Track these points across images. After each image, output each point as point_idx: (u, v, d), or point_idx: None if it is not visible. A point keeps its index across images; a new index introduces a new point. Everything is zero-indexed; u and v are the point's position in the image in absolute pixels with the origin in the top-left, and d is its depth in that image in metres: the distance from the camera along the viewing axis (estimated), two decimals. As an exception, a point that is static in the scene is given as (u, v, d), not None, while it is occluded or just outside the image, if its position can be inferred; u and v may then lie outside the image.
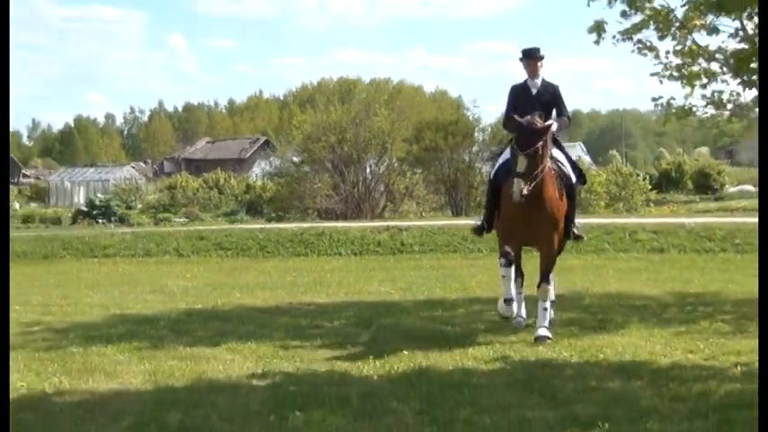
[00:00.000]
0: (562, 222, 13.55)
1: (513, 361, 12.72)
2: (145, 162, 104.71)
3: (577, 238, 14.72)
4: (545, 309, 13.75)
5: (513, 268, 13.36)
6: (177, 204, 63.73)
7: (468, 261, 30.19)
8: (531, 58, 13.19)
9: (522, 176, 11.96)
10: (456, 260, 32.90)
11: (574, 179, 14.41)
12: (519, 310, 15.75)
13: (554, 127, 13.68)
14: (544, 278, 13.83)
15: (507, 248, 14.11)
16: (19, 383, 12.85)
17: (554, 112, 13.90)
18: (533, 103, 13.40)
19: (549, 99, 13.61)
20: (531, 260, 17.84)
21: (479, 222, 15.12)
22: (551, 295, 14.81)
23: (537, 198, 12.61)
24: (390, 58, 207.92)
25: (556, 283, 17.04)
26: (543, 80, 13.57)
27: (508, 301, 13.29)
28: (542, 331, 13.41)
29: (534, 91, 13.36)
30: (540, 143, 12.29)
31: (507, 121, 14.10)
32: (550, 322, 15.00)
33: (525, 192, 11.98)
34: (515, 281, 15.34)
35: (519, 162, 12.07)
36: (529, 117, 12.63)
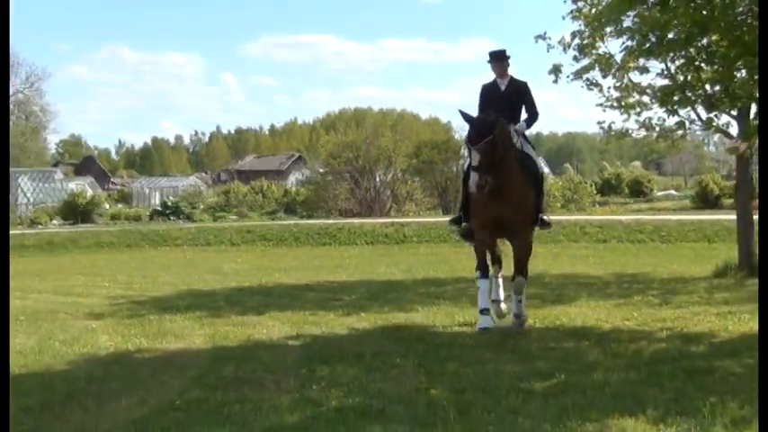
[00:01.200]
0: (531, 211, 11.63)
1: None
2: (205, 173, 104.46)
3: (546, 225, 12.48)
4: (519, 301, 11.90)
5: (488, 281, 11.72)
6: (230, 205, 63.61)
7: (456, 249, 29.96)
8: (497, 59, 11.64)
9: (477, 169, 10.41)
10: (446, 249, 32.85)
11: (540, 169, 12.42)
12: (497, 294, 13.56)
13: (522, 129, 12.05)
14: (519, 270, 11.81)
15: (483, 255, 12.21)
16: (108, 343, 12.92)
17: (523, 108, 12.24)
18: (502, 100, 11.79)
19: (518, 96, 11.91)
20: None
21: (457, 215, 12.98)
22: (522, 286, 12.39)
23: (503, 189, 10.87)
24: (395, 92, 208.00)
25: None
26: (512, 78, 11.95)
27: (484, 311, 11.49)
28: (518, 327, 11.75)
29: (503, 88, 11.71)
30: (490, 137, 10.53)
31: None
32: (523, 319, 12.96)
33: (483, 183, 10.37)
34: (492, 265, 13.29)
35: (473, 156, 10.60)
36: (483, 113, 11.18)
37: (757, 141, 19.86)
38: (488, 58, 11.77)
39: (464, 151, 15.50)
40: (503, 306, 13.35)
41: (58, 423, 8.41)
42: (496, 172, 10.88)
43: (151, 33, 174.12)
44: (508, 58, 11.64)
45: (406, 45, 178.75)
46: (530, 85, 12.39)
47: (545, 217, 12.06)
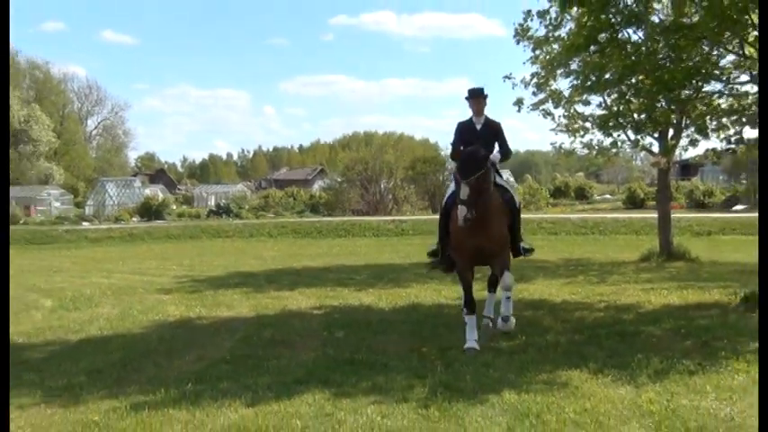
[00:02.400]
0: (508, 240, 9.81)
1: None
2: (250, 181, 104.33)
3: (527, 252, 10.67)
4: (508, 298, 10.01)
5: (474, 317, 9.53)
6: (268, 206, 63.51)
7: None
8: (475, 97, 10.03)
9: (465, 203, 8.76)
10: (435, 239, 32.78)
11: (517, 202, 10.49)
12: (488, 310, 11.15)
13: (496, 159, 10.07)
14: (501, 272, 9.84)
15: (469, 291, 9.85)
16: (175, 312, 12.91)
17: (496, 145, 10.33)
18: (477, 138, 9.97)
19: (492, 134, 10.13)
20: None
21: (434, 247, 10.89)
22: (511, 281, 10.13)
23: (483, 221, 9.08)
24: (395, 119, 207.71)
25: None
26: (486, 118, 10.19)
27: (472, 341, 9.24)
28: (506, 326, 9.58)
29: (479, 127, 10.06)
30: (481, 172, 8.94)
31: (453, 152, 10.41)
32: (510, 325, 10.44)
33: (469, 216, 8.72)
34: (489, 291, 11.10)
35: (462, 189, 8.85)
36: (471, 147, 9.37)
37: (672, 156, 19.98)
38: (467, 95, 10.13)
39: (452, 185, 10.84)
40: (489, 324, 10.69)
41: (136, 374, 8.42)
42: (480, 205, 9.10)
43: (210, 74, 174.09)
44: (486, 96, 10.06)
45: (404, 83, 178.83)
46: (503, 125, 10.52)
47: (525, 245, 10.31)
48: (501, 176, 10.48)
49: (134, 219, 57.36)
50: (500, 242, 9.68)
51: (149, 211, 59.55)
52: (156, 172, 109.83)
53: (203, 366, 8.67)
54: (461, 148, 9.86)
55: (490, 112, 10.49)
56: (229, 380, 7.94)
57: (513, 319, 9.94)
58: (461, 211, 8.79)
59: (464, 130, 10.08)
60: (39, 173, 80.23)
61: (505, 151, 10.29)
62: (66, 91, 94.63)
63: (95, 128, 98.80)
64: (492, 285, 10.81)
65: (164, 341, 10.42)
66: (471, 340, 9.29)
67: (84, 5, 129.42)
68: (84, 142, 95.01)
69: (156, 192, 77.14)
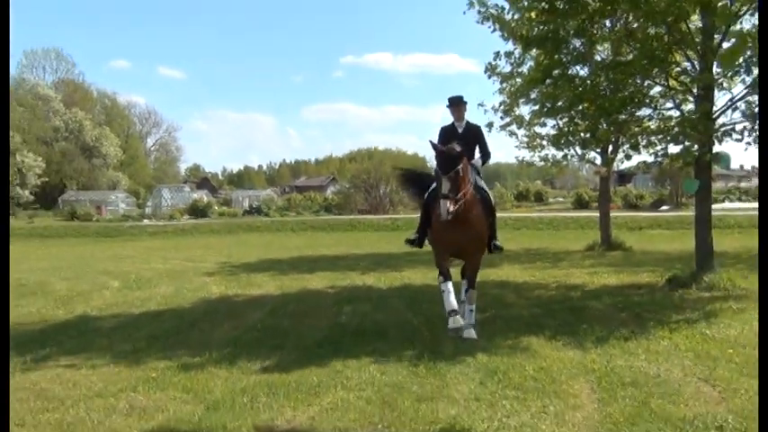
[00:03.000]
0: (486, 237, 8.71)
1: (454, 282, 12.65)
2: (276, 187, 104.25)
3: (498, 249, 9.34)
4: (471, 311, 8.73)
5: (450, 282, 8.42)
6: (291, 207, 63.50)
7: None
8: (455, 104, 9.06)
9: (446, 197, 7.74)
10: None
11: (493, 201, 9.27)
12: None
13: (478, 163, 9.06)
14: (471, 284, 8.81)
15: (444, 266, 8.69)
16: (216, 290, 12.90)
17: (477, 148, 9.37)
18: (459, 140, 8.77)
19: (473, 137, 9.12)
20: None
21: (413, 237, 9.54)
22: (474, 297, 8.97)
23: (463, 217, 8.05)
24: (393, 138, 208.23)
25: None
26: (468, 122, 9.23)
27: (452, 312, 8.16)
28: (469, 333, 8.05)
29: (460, 130, 9.07)
30: (460, 166, 7.93)
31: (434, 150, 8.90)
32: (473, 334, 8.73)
33: (452, 209, 7.65)
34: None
35: (443, 184, 7.86)
36: (449, 145, 8.21)
37: (611, 167, 20.01)
38: (448, 103, 9.09)
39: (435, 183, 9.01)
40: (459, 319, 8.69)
41: (185, 340, 8.43)
42: (461, 200, 7.97)
43: (244, 102, 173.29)
44: (465, 103, 9.02)
45: (399, 109, 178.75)
46: (483, 129, 9.50)
47: (497, 243, 8.98)
48: (481, 178, 9.01)
49: (184, 217, 57.23)
50: (478, 239, 8.38)
51: (196, 210, 59.49)
52: (201, 180, 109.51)
53: (239, 333, 8.67)
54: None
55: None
56: (259, 344, 7.94)
57: (473, 331, 8.16)
58: (444, 204, 7.58)
59: (446, 134, 8.83)
60: (108, 180, 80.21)
61: (485, 153, 9.08)
62: (130, 115, 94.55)
63: (153, 145, 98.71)
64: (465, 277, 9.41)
65: (207, 314, 10.43)
66: (454, 318, 7.94)
67: (144, 47, 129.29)
68: (144, 156, 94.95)
69: (202, 196, 76.99)
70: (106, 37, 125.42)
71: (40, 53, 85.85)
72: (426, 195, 8.95)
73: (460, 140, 8.36)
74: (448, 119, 8.78)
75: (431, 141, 8.10)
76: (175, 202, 70.06)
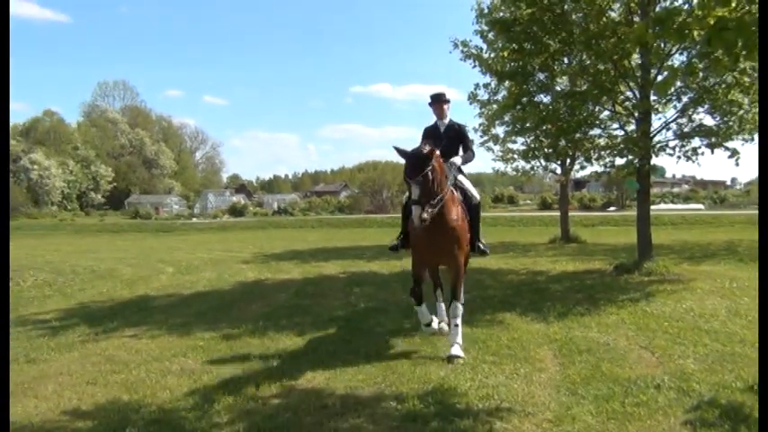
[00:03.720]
0: (466, 242, 6.83)
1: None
2: (299, 192, 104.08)
3: (482, 252, 7.48)
4: (456, 325, 6.46)
5: (424, 306, 6.81)
6: (311, 208, 63.49)
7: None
8: (437, 101, 7.43)
9: (418, 203, 6.04)
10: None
11: (477, 199, 7.44)
12: (440, 317, 7.59)
13: (457, 162, 7.17)
14: (455, 295, 6.63)
15: (421, 277, 6.86)
16: (251, 275, 12.84)
17: (461, 147, 7.59)
18: (441, 140, 7.24)
19: (456, 136, 7.47)
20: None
21: (395, 242, 7.64)
22: (460, 311, 6.55)
23: (440, 222, 6.33)
24: (393, 152, 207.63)
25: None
26: (450, 120, 7.58)
27: (428, 325, 6.91)
28: (455, 350, 6.09)
29: (442, 129, 7.47)
30: (429, 168, 6.13)
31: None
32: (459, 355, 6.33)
33: (425, 216, 5.97)
34: (434, 292, 7.87)
35: (412, 190, 6.21)
36: (414, 148, 6.35)
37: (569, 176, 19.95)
38: (430, 101, 7.33)
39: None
40: (444, 326, 7.24)
41: (226, 315, 8.40)
42: (436, 205, 6.11)
43: (273, 124, 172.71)
44: (447, 101, 7.27)
45: (397, 129, 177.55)
46: (467, 128, 7.70)
47: (481, 245, 7.18)
48: (464, 176, 7.16)
49: (225, 216, 57.22)
50: (458, 243, 6.39)
51: (235, 211, 59.49)
52: (239, 186, 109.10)
53: (269, 310, 8.64)
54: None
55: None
56: (286, 319, 7.92)
57: (460, 349, 6.02)
58: (415, 211, 5.83)
59: (428, 133, 7.11)
60: (164, 186, 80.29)
61: (469, 152, 7.22)
62: (182, 134, 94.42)
63: (200, 158, 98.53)
64: (441, 288, 7.69)
65: (244, 294, 10.39)
66: (431, 328, 6.69)
67: (193, 79, 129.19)
68: (193, 167, 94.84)
69: (240, 199, 76.96)
70: (163, 71, 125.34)
71: (111, 84, 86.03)
72: (405, 198, 6.97)
73: (444, 139, 6.81)
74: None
75: (395, 147, 6.08)
76: (218, 204, 70.17)
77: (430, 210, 5.78)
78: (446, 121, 7.01)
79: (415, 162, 5.83)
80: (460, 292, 6.36)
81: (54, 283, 12.24)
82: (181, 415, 4.49)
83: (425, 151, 5.80)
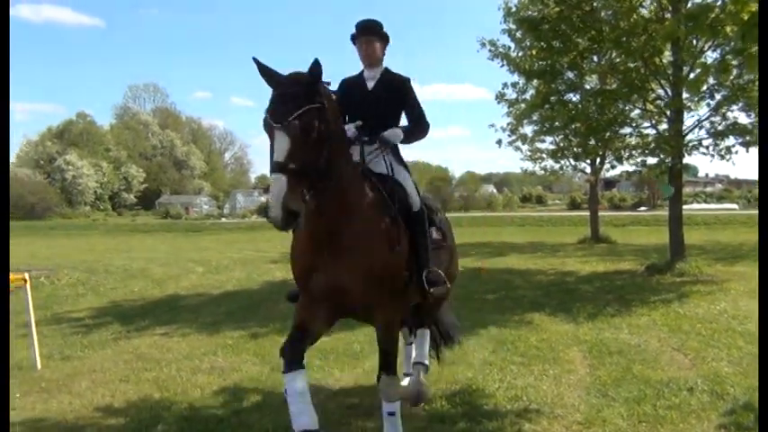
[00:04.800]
0: (396, 271, 3.44)
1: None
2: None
3: (434, 284, 3.66)
4: (391, 414, 3.73)
5: (300, 376, 3.18)
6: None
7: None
8: (365, 33, 3.81)
9: (283, 169, 2.79)
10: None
11: (417, 205, 3.77)
12: (420, 355, 4.61)
13: (394, 136, 3.78)
14: (385, 366, 3.68)
15: (301, 326, 3.50)
16: (279, 275, 12.88)
17: (403, 115, 3.98)
18: (369, 103, 3.83)
19: (393, 97, 3.88)
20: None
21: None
22: (394, 393, 3.69)
23: (340, 233, 3.29)
24: (420, 153, 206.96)
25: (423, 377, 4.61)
26: (386, 71, 3.93)
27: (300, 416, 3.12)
28: None
29: (371, 85, 3.87)
30: (312, 107, 2.88)
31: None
32: None
33: (296, 204, 2.78)
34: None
35: (276, 143, 2.84)
36: (292, 73, 3.01)
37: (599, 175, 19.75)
38: (352, 34, 3.97)
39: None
40: (406, 381, 4.63)
41: (254, 314, 8.47)
42: (325, 192, 3.09)
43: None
44: (383, 36, 3.98)
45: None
46: (413, 83, 4.09)
47: (431, 275, 3.70)
48: (404, 167, 4.08)
49: (253, 216, 57.71)
50: (375, 277, 3.43)
51: (263, 211, 59.95)
52: (267, 186, 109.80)
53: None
54: (355, 123, 3.87)
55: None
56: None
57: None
58: (278, 185, 2.90)
59: (349, 91, 3.96)
60: (194, 187, 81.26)
61: (416, 123, 4.05)
62: (211, 135, 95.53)
63: (229, 158, 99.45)
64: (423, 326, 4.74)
65: (272, 293, 10.42)
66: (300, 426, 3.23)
67: (221, 81, 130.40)
68: (222, 168, 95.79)
69: (268, 199, 77.57)
70: (192, 73, 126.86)
71: (142, 87, 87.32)
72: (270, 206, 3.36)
73: (372, 102, 3.92)
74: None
75: (255, 59, 3.17)
76: (247, 204, 70.74)
77: (307, 193, 2.93)
78: (377, 72, 3.98)
79: (287, 92, 3.01)
80: (394, 360, 3.75)
81: (87, 282, 12.46)
82: (211, 413, 4.54)
83: (313, 75, 3.05)
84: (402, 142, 3.97)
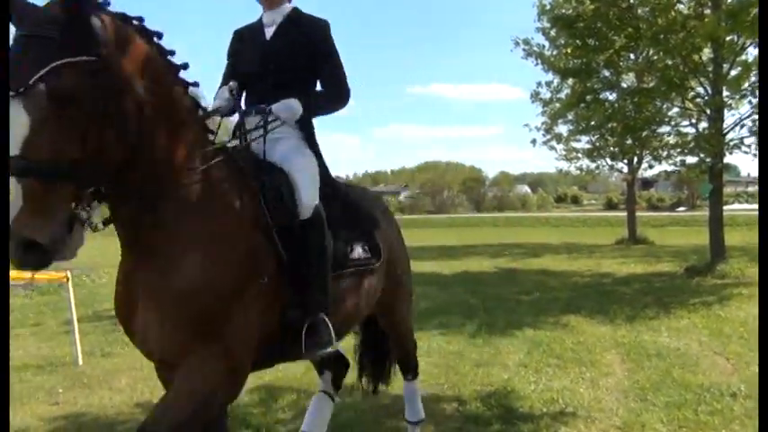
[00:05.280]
0: (209, 320, 1.98)
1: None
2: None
3: (316, 347, 2.31)
4: None
5: None
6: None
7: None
8: None
9: (25, 173, 1.53)
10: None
11: (310, 209, 2.37)
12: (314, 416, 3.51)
13: (290, 110, 2.38)
14: None
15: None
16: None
17: (317, 75, 2.54)
18: (265, 58, 2.46)
19: (299, 49, 2.43)
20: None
21: None
22: None
23: (150, 251, 1.98)
24: (453, 153, 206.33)
25: None
26: (295, 12, 2.54)
27: None
28: None
29: (270, 32, 2.48)
30: (52, 68, 1.52)
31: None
32: None
33: (51, 231, 1.57)
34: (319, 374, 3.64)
35: (12, 124, 1.54)
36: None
37: (637, 174, 19.42)
38: None
39: None
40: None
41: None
42: (131, 203, 1.99)
43: (331, 124, 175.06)
44: None
45: (458, 129, 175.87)
46: (327, 29, 2.61)
47: (311, 329, 2.30)
48: (315, 153, 2.64)
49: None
50: (185, 315, 1.98)
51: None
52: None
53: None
54: (229, 85, 2.61)
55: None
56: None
57: None
58: (15, 207, 1.61)
59: (240, 46, 2.72)
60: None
61: (332, 86, 2.66)
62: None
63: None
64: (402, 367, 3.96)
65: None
66: None
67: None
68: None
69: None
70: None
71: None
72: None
73: (269, 55, 2.62)
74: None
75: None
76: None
77: (83, 209, 1.88)
78: (279, 15, 2.71)
79: (32, 36, 1.71)
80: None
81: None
82: (246, 410, 4.58)
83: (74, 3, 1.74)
84: (310, 115, 2.62)
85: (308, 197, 2.46)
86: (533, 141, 19.12)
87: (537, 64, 15.44)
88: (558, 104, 17.78)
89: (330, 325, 2.38)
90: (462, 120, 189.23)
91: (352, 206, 2.83)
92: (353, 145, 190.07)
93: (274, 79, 2.59)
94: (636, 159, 17.62)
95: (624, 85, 14.02)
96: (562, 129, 18.81)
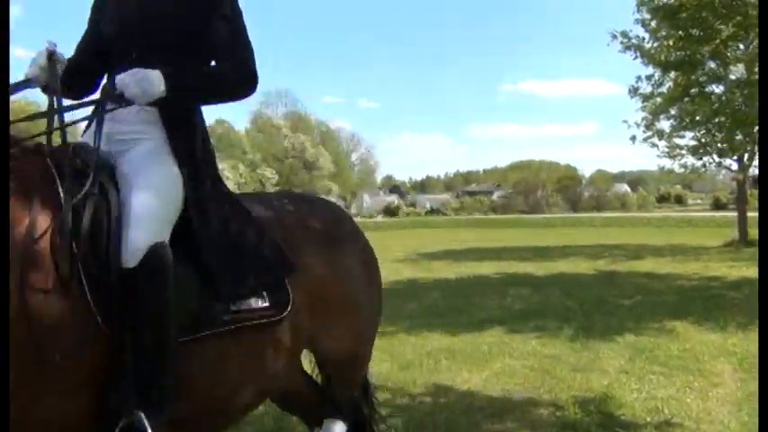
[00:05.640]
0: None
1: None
2: (452, 192, 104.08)
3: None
4: None
5: None
6: (463, 208, 63.50)
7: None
8: None
9: None
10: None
11: (131, 260, 1.57)
12: None
13: (150, 89, 1.56)
14: None
15: None
16: (405, 274, 12.92)
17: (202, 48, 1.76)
18: (138, 19, 1.67)
19: (183, 9, 1.63)
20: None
21: None
22: None
23: None
24: (547, 152, 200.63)
25: None
26: None
27: None
28: None
29: None
30: None
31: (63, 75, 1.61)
32: None
33: None
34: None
35: None
36: None
37: (749, 173, 18.24)
38: None
39: None
40: None
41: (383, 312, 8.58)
42: None
43: (425, 125, 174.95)
44: None
45: (552, 127, 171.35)
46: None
47: (134, 423, 1.53)
48: (206, 150, 1.95)
49: (380, 216, 58.89)
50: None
51: (389, 211, 61.16)
52: (392, 186, 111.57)
53: (423, 308, 8.73)
54: (47, 44, 1.77)
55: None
56: (440, 318, 7.95)
57: None
58: None
59: (106, 5, 1.92)
60: (323, 187, 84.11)
61: (226, 62, 1.87)
62: (339, 138, 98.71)
63: (355, 159, 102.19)
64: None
65: (399, 292, 10.48)
66: None
67: (348, 85, 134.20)
68: (349, 169, 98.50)
69: (394, 199, 78.80)
70: (321, 79, 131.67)
71: (274, 93, 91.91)
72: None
73: (138, 21, 1.84)
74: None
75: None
76: (373, 205, 72.36)
77: None
78: None
79: None
80: None
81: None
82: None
83: None
84: (181, 98, 1.85)
85: (139, 237, 1.69)
86: (633, 138, 18.36)
87: (636, 57, 14.83)
88: (659, 99, 17.02)
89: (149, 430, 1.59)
90: (554, 117, 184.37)
91: (252, 237, 2.01)
92: (445, 144, 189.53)
93: (140, 47, 1.84)
94: (747, 156, 16.56)
95: (732, 77, 13.24)
96: (664, 124, 17.97)
